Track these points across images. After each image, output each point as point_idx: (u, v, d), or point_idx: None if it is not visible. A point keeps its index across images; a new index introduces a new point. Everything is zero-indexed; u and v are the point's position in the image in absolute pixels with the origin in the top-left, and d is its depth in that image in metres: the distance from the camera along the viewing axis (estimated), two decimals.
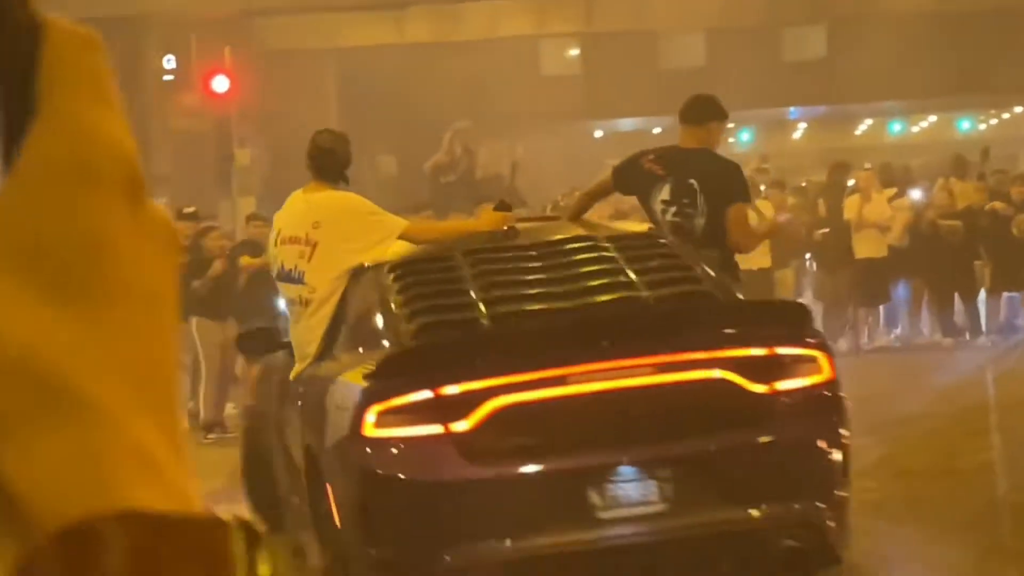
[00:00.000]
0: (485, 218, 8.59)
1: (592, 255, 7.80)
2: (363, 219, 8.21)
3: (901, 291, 19.08)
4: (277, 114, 32.05)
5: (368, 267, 8.03)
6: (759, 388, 6.74)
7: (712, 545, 6.74)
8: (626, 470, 6.65)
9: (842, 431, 6.96)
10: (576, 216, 9.14)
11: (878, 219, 18.30)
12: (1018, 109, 41.98)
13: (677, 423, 6.72)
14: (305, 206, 8.34)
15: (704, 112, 8.95)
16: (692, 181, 8.53)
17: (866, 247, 18.31)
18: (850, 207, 18.45)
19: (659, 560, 6.68)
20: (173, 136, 29.05)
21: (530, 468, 6.64)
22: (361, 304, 7.92)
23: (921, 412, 12.46)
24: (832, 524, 6.80)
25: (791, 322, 7.15)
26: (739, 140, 40.66)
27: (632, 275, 7.49)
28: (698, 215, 8.50)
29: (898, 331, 18.96)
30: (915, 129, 43.29)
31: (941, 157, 25.11)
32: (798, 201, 19.98)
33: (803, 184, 23.59)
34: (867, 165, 19.94)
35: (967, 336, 18.48)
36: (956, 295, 18.56)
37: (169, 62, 27.79)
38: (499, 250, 7.97)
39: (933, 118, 43.35)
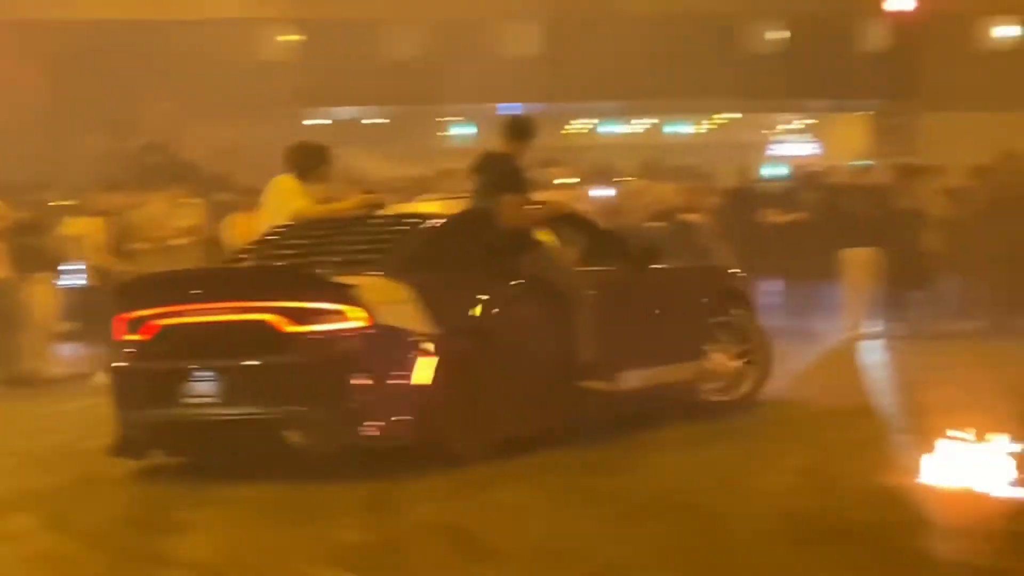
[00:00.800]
0: (357, 199, 12.01)
1: (352, 229, 11.21)
2: (279, 198, 12.00)
3: None
4: None
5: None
6: (294, 328, 9.86)
7: (246, 427, 9.96)
8: (201, 374, 10.06)
9: (367, 361, 9.89)
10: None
11: None
12: (731, 115, 42.94)
13: (236, 347, 9.99)
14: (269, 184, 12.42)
15: (513, 131, 11.56)
16: (485, 176, 11.38)
17: None
18: None
19: (215, 434, 10.16)
20: None
21: (162, 366, 10.27)
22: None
23: None
24: (335, 425, 9.83)
25: (332, 286, 10.01)
26: (457, 134, 40.74)
27: (345, 246, 10.82)
28: (488, 201, 11.25)
29: None
30: (630, 130, 43.89)
31: (651, 158, 25.50)
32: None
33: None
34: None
35: None
36: None
37: None
38: (323, 223, 11.50)
39: (648, 120, 44.01)
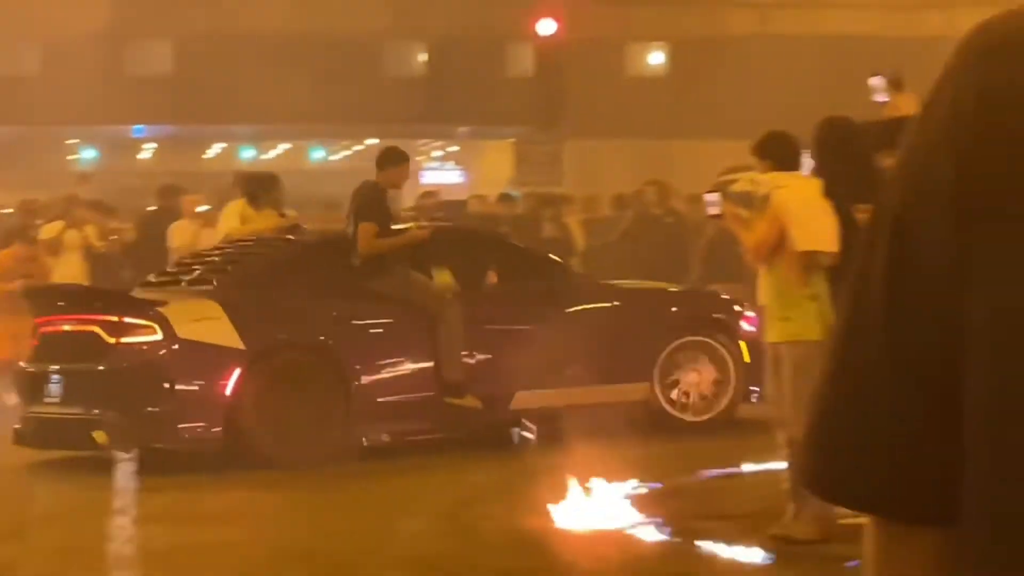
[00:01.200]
0: (273, 223, 13.20)
1: (231, 252, 12.61)
2: (222, 222, 13.80)
3: None
4: None
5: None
6: (112, 339, 11.38)
7: (82, 424, 11.41)
8: (53, 376, 11.74)
9: (168, 371, 11.19)
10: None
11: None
12: (371, 141, 41.97)
13: (75, 354, 11.61)
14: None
15: (381, 159, 12.62)
16: (352, 204, 12.42)
17: None
18: (179, 233, 16.92)
19: (59, 431, 11.71)
20: None
21: (35, 368, 12.08)
22: None
23: None
24: (137, 429, 11.13)
25: (142, 303, 11.64)
26: (82, 157, 38.57)
27: (211, 267, 12.22)
28: (351, 227, 12.29)
29: None
30: (268, 156, 42.56)
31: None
32: (124, 224, 18.39)
33: (150, 208, 21.79)
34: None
35: None
36: None
37: None
38: (226, 246, 13.08)
39: (287, 145, 42.80)
